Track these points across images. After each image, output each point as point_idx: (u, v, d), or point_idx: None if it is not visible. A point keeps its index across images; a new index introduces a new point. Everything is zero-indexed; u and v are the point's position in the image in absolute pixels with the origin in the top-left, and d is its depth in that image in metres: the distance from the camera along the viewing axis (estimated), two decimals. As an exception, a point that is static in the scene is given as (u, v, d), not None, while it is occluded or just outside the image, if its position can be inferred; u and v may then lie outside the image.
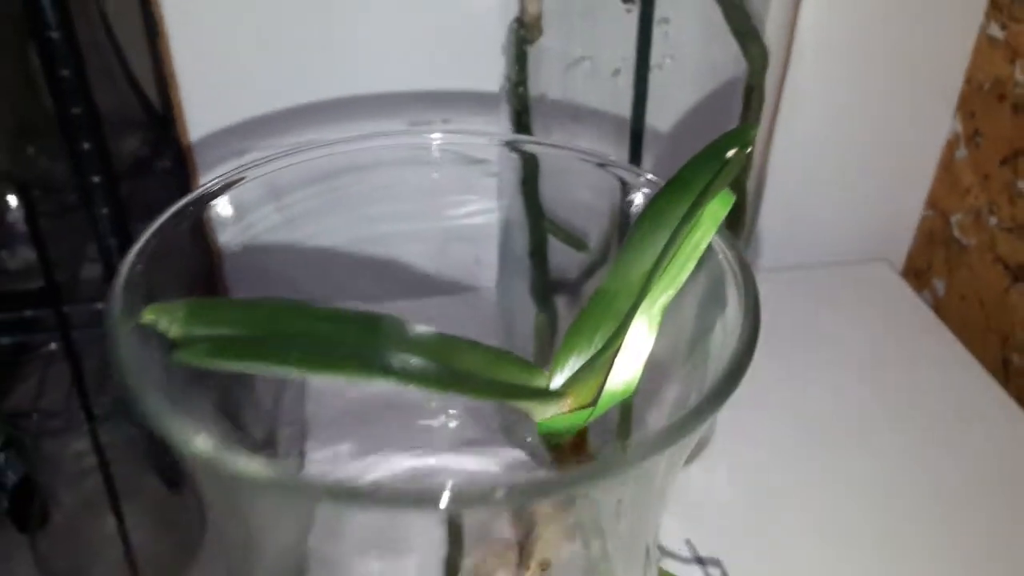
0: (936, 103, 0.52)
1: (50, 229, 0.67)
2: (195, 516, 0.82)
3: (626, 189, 0.19)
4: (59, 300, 0.69)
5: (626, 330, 0.15)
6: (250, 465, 0.13)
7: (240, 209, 0.18)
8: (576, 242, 0.34)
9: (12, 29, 0.70)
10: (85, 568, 0.78)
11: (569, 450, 0.17)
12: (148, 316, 0.14)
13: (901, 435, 0.42)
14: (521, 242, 0.34)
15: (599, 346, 0.16)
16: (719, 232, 0.16)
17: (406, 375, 0.15)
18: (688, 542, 0.36)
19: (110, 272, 0.72)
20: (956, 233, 0.53)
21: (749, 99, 0.31)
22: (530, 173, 0.33)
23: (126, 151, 0.78)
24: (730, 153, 0.16)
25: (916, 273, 0.57)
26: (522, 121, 0.32)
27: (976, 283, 0.51)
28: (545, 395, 0.16)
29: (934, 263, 0.55)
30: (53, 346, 0.68)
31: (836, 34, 0.48)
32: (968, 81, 0.51)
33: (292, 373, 0.14)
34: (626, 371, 0.15)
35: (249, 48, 0.44)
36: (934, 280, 0.55)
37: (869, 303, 0.52)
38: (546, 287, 0.35)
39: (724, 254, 0.17)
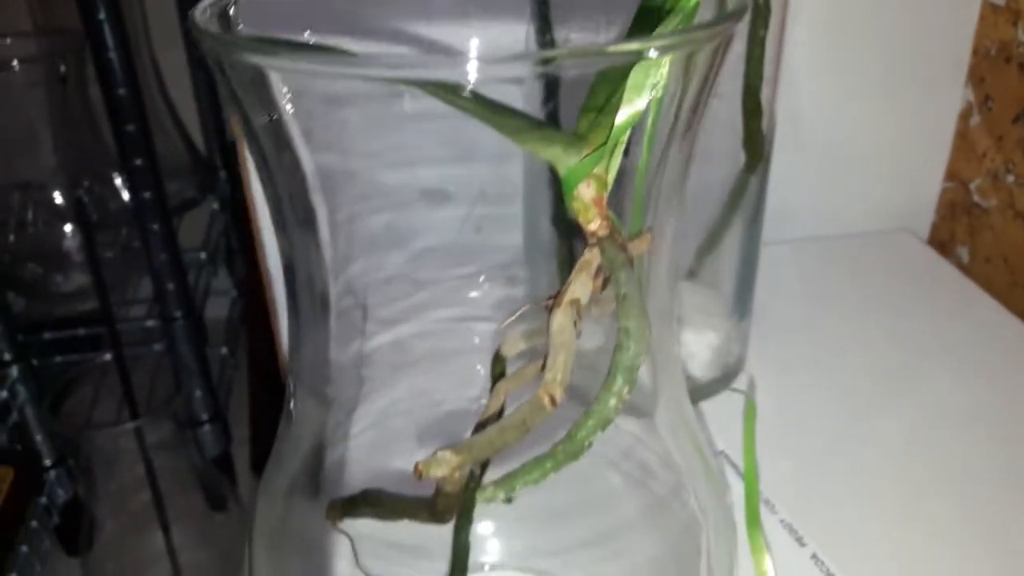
0: (947, 76, 0.54)
1: (102, 259, 0.71)
2: (238, 532, 0.83)
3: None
4: (112, 318, 0.72)
5: (628, 78, 0.17)
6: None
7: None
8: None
9: (75, 62, 0.75)
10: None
11: (593, 204, 0.19)
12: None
13: (937, 382, 0.43)
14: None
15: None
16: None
17: (444, 89, 0.17)
18: (722, 452, 0.37)
19: (160, 288, 0.75)
20: (976, 198, 0.54)
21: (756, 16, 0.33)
22: (552, 92, 0.36)
23: (173, 192, 0.82)
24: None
25: (940, 244, 0.58)
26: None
27: (999, 243, 0.53)
28: (568, 140, 0.18)
29: (957, 232, 0.57)
30: (107, 357, 0.71)
31: (845, 18, 0.51)
32: (975, 51, 0.53)
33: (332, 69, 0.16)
34: (634, 104, 0.17)
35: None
36: (958, 248, 0.57)
37: (897, 268, 0.53)
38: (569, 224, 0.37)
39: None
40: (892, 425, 0.40)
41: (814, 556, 0.32)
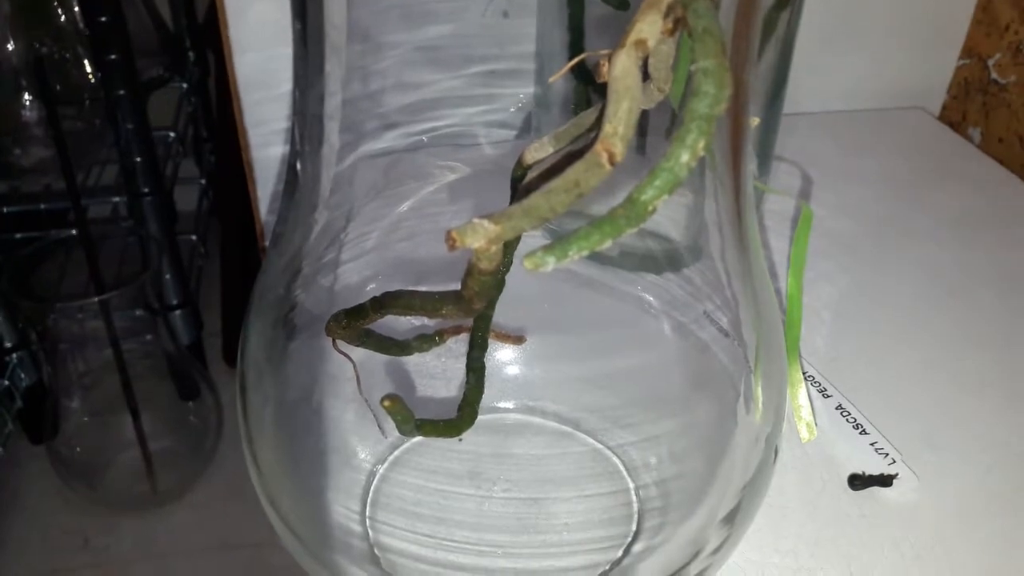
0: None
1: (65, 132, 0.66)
2: (211, 419, 0.80)
3: None
4: (76, 192, 0.68)
5: None
6: None
7: None
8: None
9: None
10: (101, 470, 0.77)
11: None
12: None
13: (950, 245, 0.41)
14: None
15: None
16: None
17: None
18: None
19: (128, 162, 0.70)
20: (994, 74, 0.52)
21: None
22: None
23: (140, 68, 0.77)
24: None
25: (951, 125, 0.56)
26: None
27: (1015, 121, 0.50)
28: None
29: (969, 112, 0.54)
30: (73, 232, 0.67)
31: None
32: (1004, -86, 0.50)
33: None
34: None
35: None
36: (970, 129, 0.54)
37: (911, 141, 0.51)
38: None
39: None
40: (906, 286, 0.38)
41: (839, 407, 0.30)
